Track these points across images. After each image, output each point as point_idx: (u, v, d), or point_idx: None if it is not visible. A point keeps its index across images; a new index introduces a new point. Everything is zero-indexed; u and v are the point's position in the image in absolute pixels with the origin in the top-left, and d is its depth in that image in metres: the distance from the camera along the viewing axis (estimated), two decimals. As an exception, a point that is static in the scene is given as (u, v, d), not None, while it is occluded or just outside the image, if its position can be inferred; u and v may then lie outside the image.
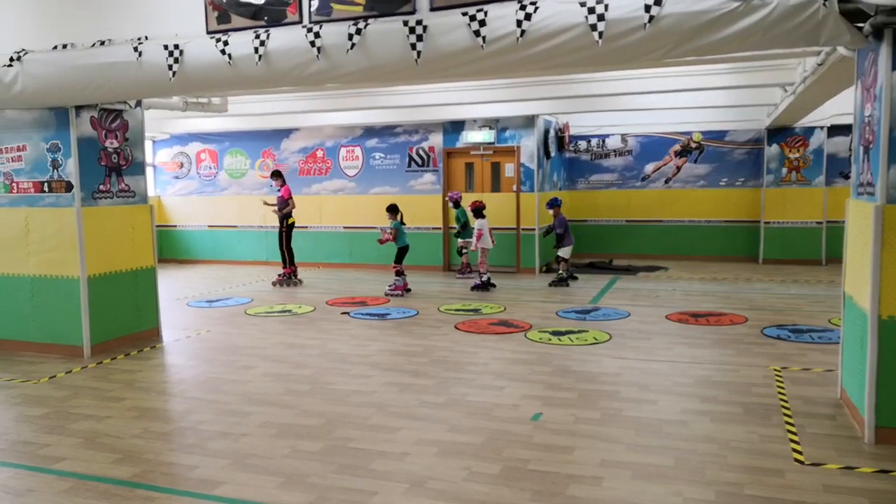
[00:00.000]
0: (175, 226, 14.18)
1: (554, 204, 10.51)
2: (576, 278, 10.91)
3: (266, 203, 11.45)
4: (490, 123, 12.09)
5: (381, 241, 10.21)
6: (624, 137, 13.80)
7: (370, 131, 12.90)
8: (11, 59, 5.68)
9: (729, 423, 4.45)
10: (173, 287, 10.68)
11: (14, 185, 6.63)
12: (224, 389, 5.40)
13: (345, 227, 13.15)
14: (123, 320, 6.90)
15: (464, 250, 11.40)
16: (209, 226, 14.03)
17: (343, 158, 13.14)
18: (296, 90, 8.97)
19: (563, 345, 6.68)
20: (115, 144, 6.78)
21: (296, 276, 11.10)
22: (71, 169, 6.39)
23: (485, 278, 10.10)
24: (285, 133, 13.42)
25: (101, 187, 6.65)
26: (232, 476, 3.76)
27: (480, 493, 3.52)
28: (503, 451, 4.06)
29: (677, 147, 13.53)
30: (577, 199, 14.21)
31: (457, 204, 11.09)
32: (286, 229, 10.92)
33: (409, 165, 12.71)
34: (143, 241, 7.11)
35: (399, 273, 9.94)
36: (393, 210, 10.09)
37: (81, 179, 6.43)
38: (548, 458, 3.96)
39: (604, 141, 13.98)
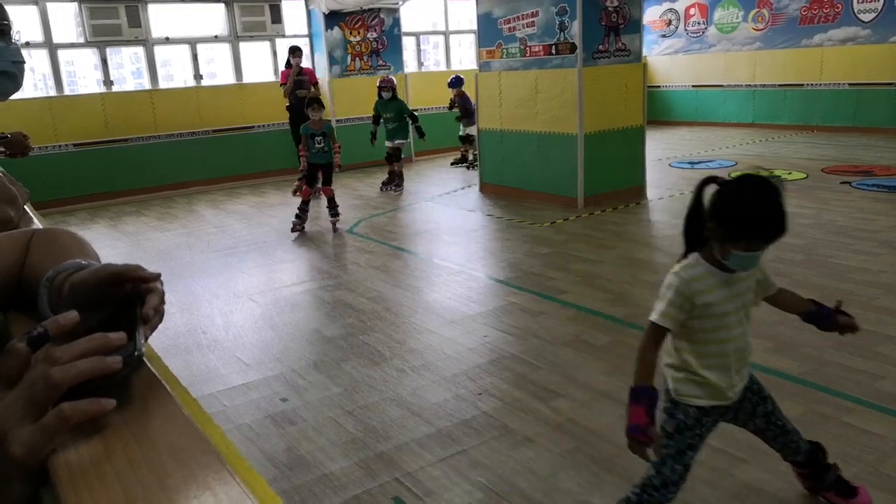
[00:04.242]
0: (659, 86, 14.20)
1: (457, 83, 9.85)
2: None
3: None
4: None
5: None
6: None
7: (900, -38, 10.53)
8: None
9: None
10: (655, 148, 10.85)
11: (527, 49, 7.41)
12: (708, 249, 5.38)
13: (850, 84, 11.35)
14: (612, 176, 7.33)
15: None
16: (693, 85, 13.66)
17: (859, 0, 11.10)
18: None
19: None
20: (616, 3, 6.94)
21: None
22: (575, 31, 6.82)
23: None
24: (786, -24, 11.90)
25: (601, 47, 6.96)
26: (718, 332, 3.79)
27: None
28: None
29: None
30: None
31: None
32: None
33: (953, 2, 10.08)
34: (635, 100, 7.31)
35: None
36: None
37: (584, 40, 6.82)
38: None
39: None
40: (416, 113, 8.86)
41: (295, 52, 8.87)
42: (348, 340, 4.07)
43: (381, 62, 10.96)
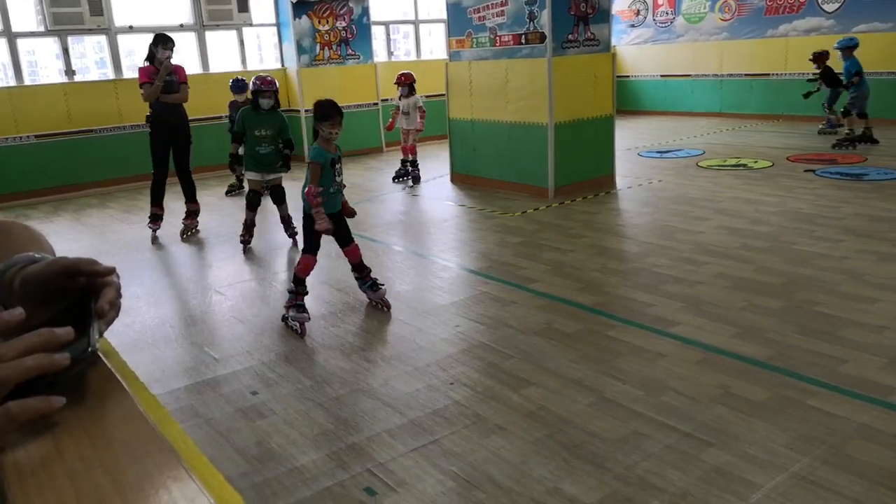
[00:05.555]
0: (627, 76, 14.29)
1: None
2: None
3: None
4: None
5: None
6: None
7: (862, -47, 10.70)
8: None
9: None
10: (624, 137, 10.93)
11: (497, 38, 7.39)
12: (677, 237, 5.45)
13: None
14: (582, 166, 7.37)
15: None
16: (661, 75, 13.77)
17: (822, -9, 11.29)
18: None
19: None
20: (583, -7, 6.96)
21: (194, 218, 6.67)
22: (545, 20, 6.81)
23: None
24: (752, -33, 12.03)
25: (570, 37, 6.97)
26: (687, 318, 3.84)
27: None
28: None
29: None
30: None
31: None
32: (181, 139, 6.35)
33: (916, -9, 10.28)
34: (604, 90, 7.35)
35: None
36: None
37: (553, 30, 6.83)
38: None
39: None
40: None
41: (164, 41, 6.09)
42: (319, 332, 4.04)
43: (350, 51, 10.86)
